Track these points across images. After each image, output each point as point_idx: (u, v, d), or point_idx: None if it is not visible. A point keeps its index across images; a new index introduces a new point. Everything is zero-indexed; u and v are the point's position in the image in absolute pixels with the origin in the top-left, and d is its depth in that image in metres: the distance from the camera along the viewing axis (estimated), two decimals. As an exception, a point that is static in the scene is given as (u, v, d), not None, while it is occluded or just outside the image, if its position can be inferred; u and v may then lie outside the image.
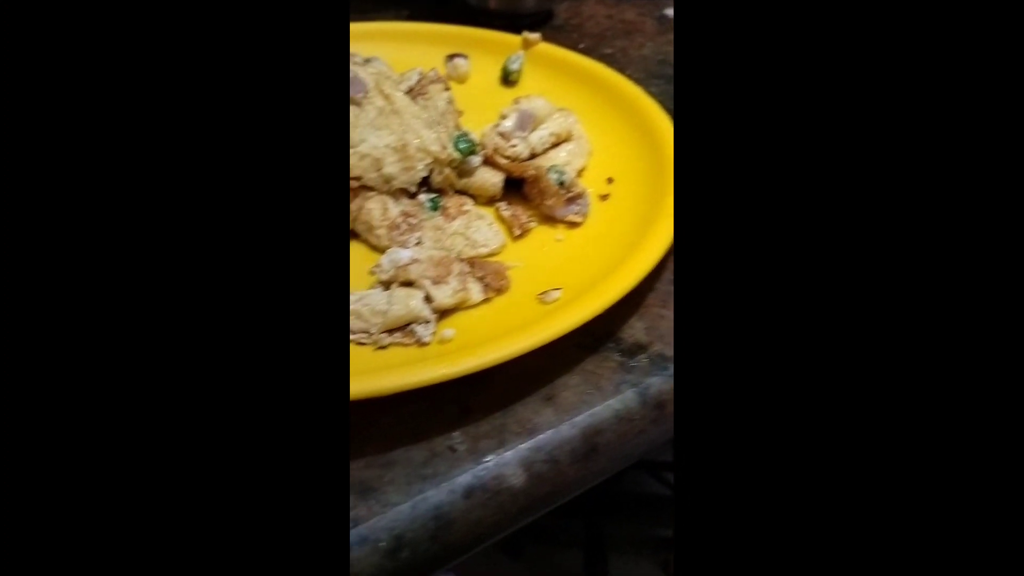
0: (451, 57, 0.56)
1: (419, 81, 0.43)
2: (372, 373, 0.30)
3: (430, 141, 0.39)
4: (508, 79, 0.54)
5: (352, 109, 0.39)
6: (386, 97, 0.40)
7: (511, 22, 0.65)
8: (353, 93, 0.39)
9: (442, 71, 0.56)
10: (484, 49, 0.57)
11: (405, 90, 0.42)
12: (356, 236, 0.39)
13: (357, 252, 0.38)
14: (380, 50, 0.56)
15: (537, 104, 0.44)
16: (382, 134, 0.39)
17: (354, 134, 0.38)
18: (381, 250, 0.38)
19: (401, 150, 0.39)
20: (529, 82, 0.55)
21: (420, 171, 0.39)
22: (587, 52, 0.56)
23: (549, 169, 0.40)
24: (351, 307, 0.33)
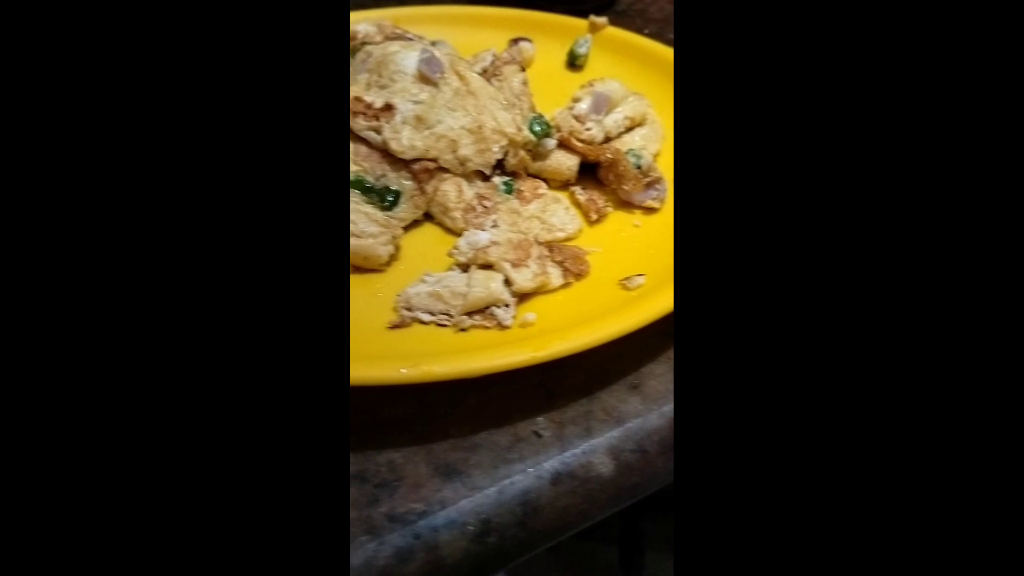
0: (515, 41, 0.55)
1: (493, 62, 0.42)
2: (457, 354, 0.29)
3: (506, 123, 0.38)
4: (575, 63, 0.53)
5: (429, 90, 0.38)
6: (461, 78, 0.39)
7: (573, 7, 0.63)
8: (431, 73, 0.38)
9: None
10: (548, 33, 0.56)
11: (479, 71, 0.41)
12: (431, 218, 0.39)
13: (432, 234, 0.38)
14: (443, 34, 0.55)
15: (612, 87, 0.43)
16: (458, 115, 0.38)
17: (430, 115, 0.38)
18: (456, 232, 0.37)
19: (476, 132, 0.38)
20: (596, 66, 0.54)
21: (495, 153, 0.38)
22: (652, 38, 0.55)
23: (626, 153, 0.39)
24: (430, 288, 0.33)
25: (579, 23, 0.57)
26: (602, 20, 0.55)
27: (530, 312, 0.32)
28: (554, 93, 0.46)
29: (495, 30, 0.57)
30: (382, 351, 0.31)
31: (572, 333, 0.30)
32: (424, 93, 0.38)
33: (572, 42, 0.55)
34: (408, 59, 0.39)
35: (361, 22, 0.54)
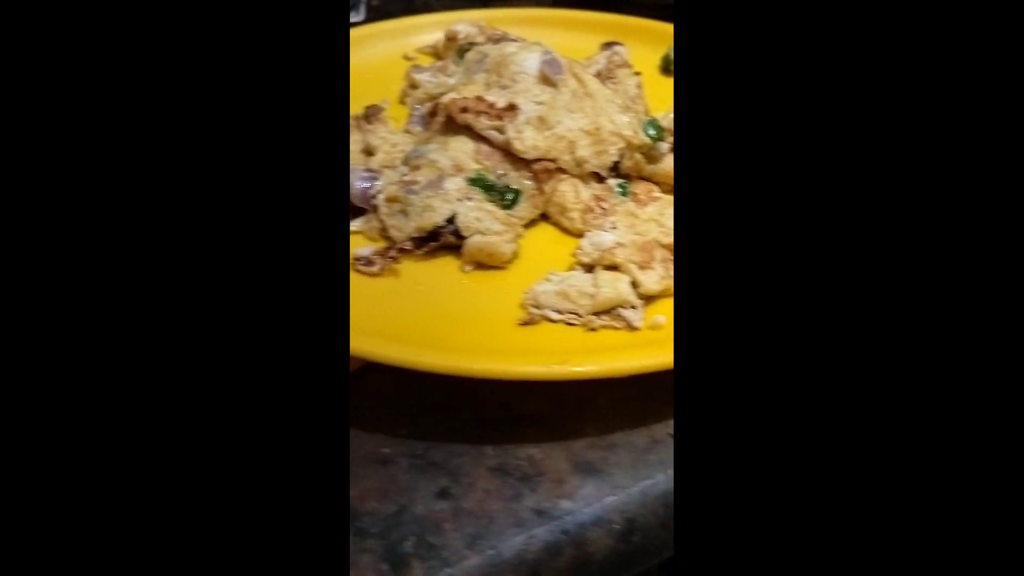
0: (608, 45, 0.55)
1: (607, 65, 0.43)
2: (599, 354, 0.30)
3: (623, 125, 0.39)
4: (669, 68, 0.53)
5: (549, 91, 0.39)
6: (579, 80, 0.39)
7: (658, 11, 0.64)
8: (552, 74, 0.39)
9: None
10: (640, 38, 0.56)
11: (594, 73, 0.42)
12: (547, 218, 0.39)
13: (549, 233, 0.38)
14: (536, 36, 0.55)
15: (721, 93, 0.42)
16: (576, 117, 0.38)
17: (551, 115, 0.38)
18: (573, 232, 0.37)
19: (594, 133, 0.38)
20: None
21: (612, 155, 0.39)
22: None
23: (740, 159, 0.39)
24: (557, 287, 0.33)
25: (670, 28, 0.57)
26: (697, 26, 0.55)
27: (660, 315, 0.32)
28: (650, 97, 0.46)
29: (587, 33, 0.57)
30: (515, 346, 0.31)
31: (710, 337, 0.30)
32: (545, 94, 0.38)
33: (663, 46, 0.55)
34: (529, 60, 0.39)
35: (458, 23, 0.54)
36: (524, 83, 0.39)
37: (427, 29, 0.57)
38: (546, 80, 0.39)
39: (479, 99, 0.38)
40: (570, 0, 0.67)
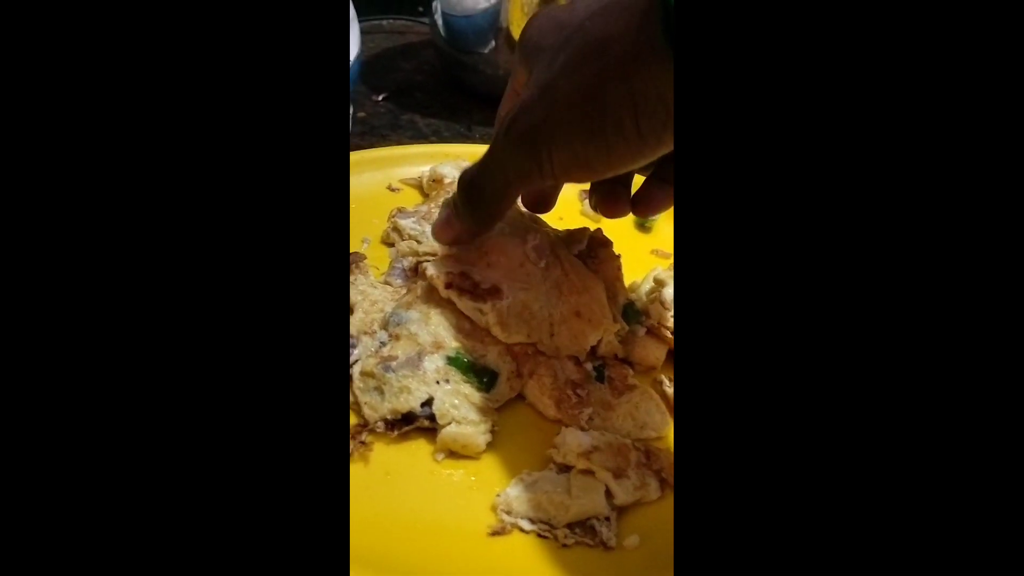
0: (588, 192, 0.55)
1: (588, 243, 0.42)
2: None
3: (603, 312, 0.38)
4: (643, 225, 0.53)
5: (534, 274, 0.38)
6: (562, 262, 0.38)
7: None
8: (537, 260, 0.37)
9: (578, 205, 0.55)
10: (617, 188, 0.56)
11: (576, 253, 0.41)
12: (523, 399, 0.37)
13: (524, 417, 0.36)
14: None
15: (696, 275, 0.42)
16: (557, 303, 0.37)
17: (533, 301, 0.37)
18: (548, 418, 0.36)
19: (574, 319, 0.37)
20: (665, 228, 0.54)
21: (591, 341, 0.37)
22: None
23: (713, 350, 0.38)
24: (531, 493, 0.31)
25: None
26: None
27: (633, 534, 0.31)
28: (626, 256, 0.45)
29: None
30: (485, 566, 0.29)
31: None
32: (531, 277, 0.37)
33: (640, 200, 0.55)
34: (513, 241, 0.38)
35: (443, 162, 0.53)
36: (508, 265, 0.37)
37: (413, 161, 0.56)
38: (531, 263, 0.37)
39: (464, 276, 0.37)
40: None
